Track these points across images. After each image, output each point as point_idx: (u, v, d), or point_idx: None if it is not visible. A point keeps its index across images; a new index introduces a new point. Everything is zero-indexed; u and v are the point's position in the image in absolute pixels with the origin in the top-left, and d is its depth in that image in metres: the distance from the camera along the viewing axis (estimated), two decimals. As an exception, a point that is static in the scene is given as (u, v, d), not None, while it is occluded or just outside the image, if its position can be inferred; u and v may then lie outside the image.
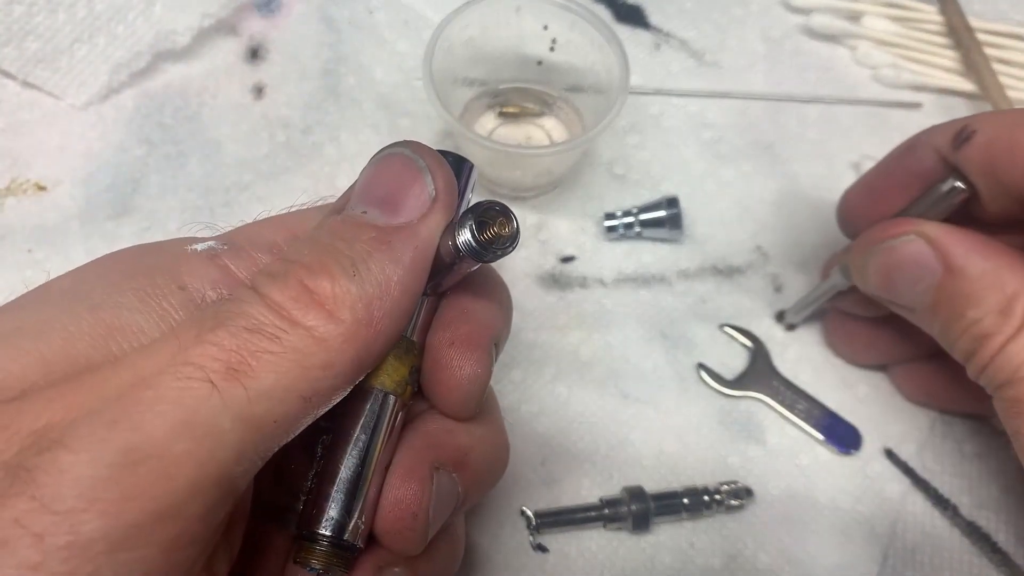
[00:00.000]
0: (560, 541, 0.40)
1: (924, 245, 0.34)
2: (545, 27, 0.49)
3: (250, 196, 0.49)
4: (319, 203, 0.31)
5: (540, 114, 0.52)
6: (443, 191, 0.27)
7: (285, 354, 0.22)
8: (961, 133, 0.35)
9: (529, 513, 0.40)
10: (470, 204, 0.28)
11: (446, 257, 0.27)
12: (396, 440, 0.28)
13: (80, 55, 0.51)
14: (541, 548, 0.40)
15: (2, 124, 0.50)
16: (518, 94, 0.52)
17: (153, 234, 0.47)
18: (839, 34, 0.56)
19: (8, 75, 0.51)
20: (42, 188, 0.49)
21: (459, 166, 0.30)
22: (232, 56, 0.53)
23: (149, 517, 0.19)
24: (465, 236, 0.26)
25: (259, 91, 0.53)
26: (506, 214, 0.27)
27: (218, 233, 0.28)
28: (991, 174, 0.33)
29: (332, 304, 0.23)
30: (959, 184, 0.35)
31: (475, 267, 0.28)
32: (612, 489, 0.41)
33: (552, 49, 0.50)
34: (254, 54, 0.54)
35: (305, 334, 0.23)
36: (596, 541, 0.40)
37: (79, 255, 0.46)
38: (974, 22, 0.55)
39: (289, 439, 0.23)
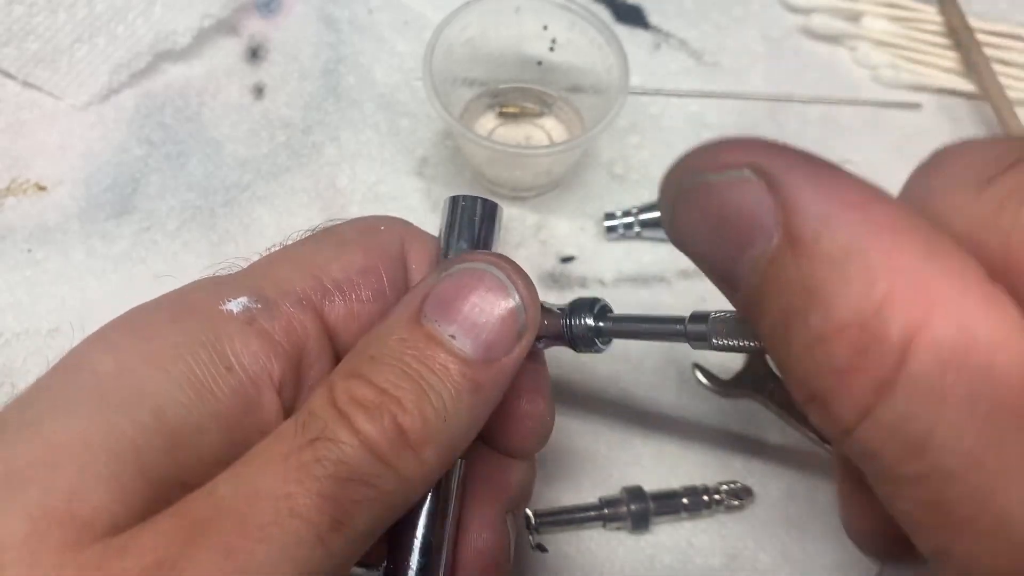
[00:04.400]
0: (559, 541, 0.40)
1: (763, 192, 0.19)
2: (545, 27, 0.49)
3: (250, 196, 0.49)
4: (328, 224, 0.31)
5: (540, 114, 0.52)
6: (532, 323, 0.27)
7: (379, 499, 0.23)
8: None
9: (528, 513, 0.40)
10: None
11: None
12: (464, 492, 0.28)
13: (80, 55, 0.51)
14: (540, 548, 0.40)
15: (2, 124, 0.50)
16: (518, 94, 0.52)
17: (153, 234, 0.47)
18: (839, 34, 0.56)
19: (8, 75, 0.51)
20: (42, 188, 0.49)
21: (488, 211, 0.30)
22: (232, 56, 0.54)
23: None
24: (587, 321, 0.29)
25: (259, 91, 0.53)
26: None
27: (238, 269, 0.28)
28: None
29: (420, 445, 0.23)
30: None
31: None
32: (611, 489, 0.41)
33: (552, 49, 0.50)
34: (254, 54, 0.54)
35: (395, 476, 0.23)
36: (595, 541, 0.40)
37: (79, 255, 0.46)
38: (974, 22, 0.56)
39: None
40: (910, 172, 0.21)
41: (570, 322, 0.29)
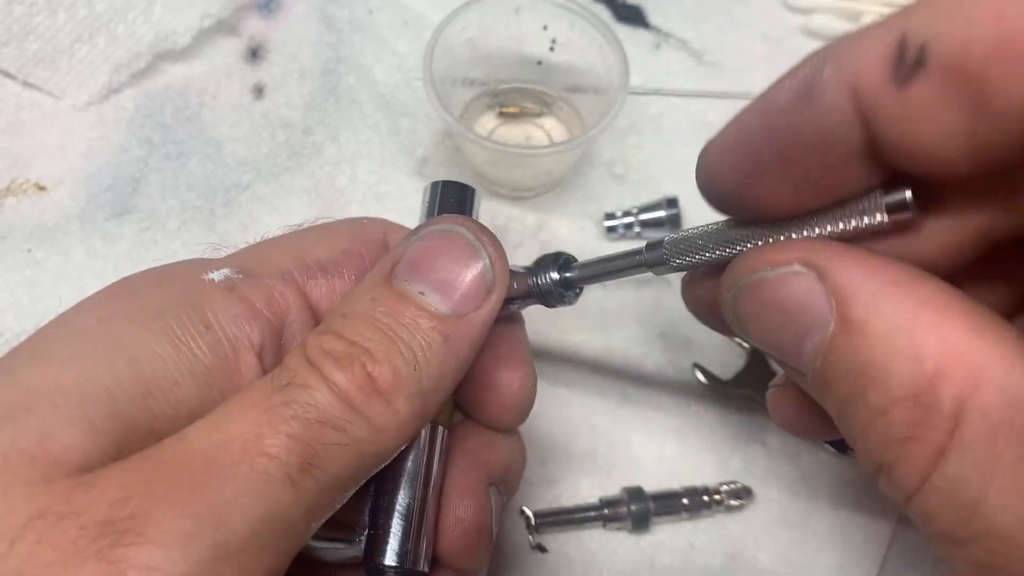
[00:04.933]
0: (560, 541, 0.40)
1: (813, 281, 0.22)
2: (545, 27, 0.49)
3: (250, 196, 0.49)
4: (316, 222, 0.31)
5: (540, 114, 0.52)
6: (500, 279, 0.27)
7: (349, 445, 0.23)
8: (903, 56, 0.19)
9: (528, 513, 0.40)
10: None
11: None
12: (445, 462, 0.29)
13: (80, 55, 0.51)
14: (540, 548, 0.40)
15: (2, 124, 0.50)
16: (518, 94, 0.52)
17: (153, 234, 0.47)
18: (839, 35, 0.56)
19: (8, 75, 0.51)
20: (42, 188, 0.49)
21: (463, 193, 0.30)
22: (232, 56, 0.54)
23: None
24: (551, 275, 0.29)
25: (259, 91, 0.53)
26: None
27: (226, 254, 0.28)
28: (978, 117, 0.18)
29: (391, 394, 0.24)
30: (903, 197, 0.22)
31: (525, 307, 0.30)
32: (612, 489, 0.41)
33: (552, 49, 0.50)
34: (254, 54, 0.54)
35: (366, 424, 0.23)
36: (596, 541, 0.40)
37: (79, 255, 0.46)
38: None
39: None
40: None
41: (536, 280, 0.29)
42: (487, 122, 0.52)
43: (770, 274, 0.23)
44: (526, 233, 0.48)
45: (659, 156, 0.52)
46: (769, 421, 0.43)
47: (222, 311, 0.25)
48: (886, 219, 0.22)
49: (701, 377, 0.44)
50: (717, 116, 0.53)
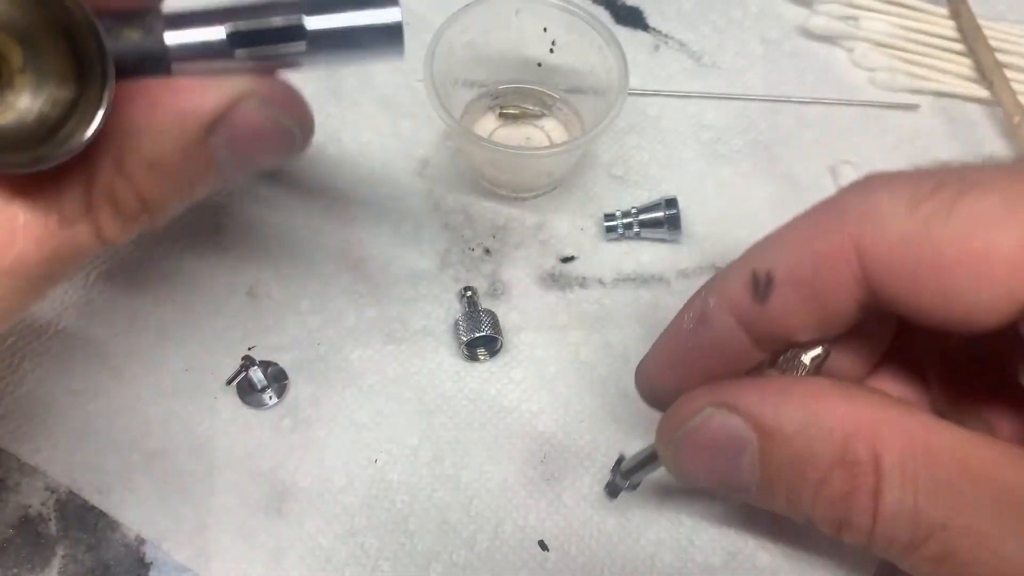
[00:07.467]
0: (560, 540, 0.40)
1: (727, 415, 0.28)
2: (545, 29, 0.49)
3: (253, 197, 0.49)
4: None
5: (540, 115, 0.53)
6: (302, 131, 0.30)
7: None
8: (758, 283, 0.28)
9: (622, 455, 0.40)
10: None
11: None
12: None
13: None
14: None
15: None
16: (518, 95, 0.53)
17: (154, 234, 0.47)
18: (838, 35, 0.57)
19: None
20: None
21: None
22: (233, 58, 0.54)
23: None
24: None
25: (260, 93, 0.53)
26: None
27: None
28: (821, 312, 0.28)
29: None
30: (809, 355, 0.29)
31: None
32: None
33: (552, 51, 0.50)
34: (255, 56, 0.54)
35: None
36: (596, 540, 0.40)
37: (82, 256, 0.46)
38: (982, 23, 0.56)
39: None
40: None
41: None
42: (487, 123, 0.52)
43: (694, 422, 0.29)
44: (526, 233, 0.49)
45: (658, 157, 0.52)
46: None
47: None
48: (804, 363, 0.29)
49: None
50: (715, 117, 0.54)
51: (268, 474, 0.41)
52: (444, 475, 0.41)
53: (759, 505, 0.30)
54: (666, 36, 0.57)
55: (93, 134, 0.24)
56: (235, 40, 0.27)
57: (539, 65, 0.51)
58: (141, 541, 0.39)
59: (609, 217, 0.49)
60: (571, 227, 0.49)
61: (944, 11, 0.58)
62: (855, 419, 0.26)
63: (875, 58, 0.56)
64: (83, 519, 0.40)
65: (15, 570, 0.39)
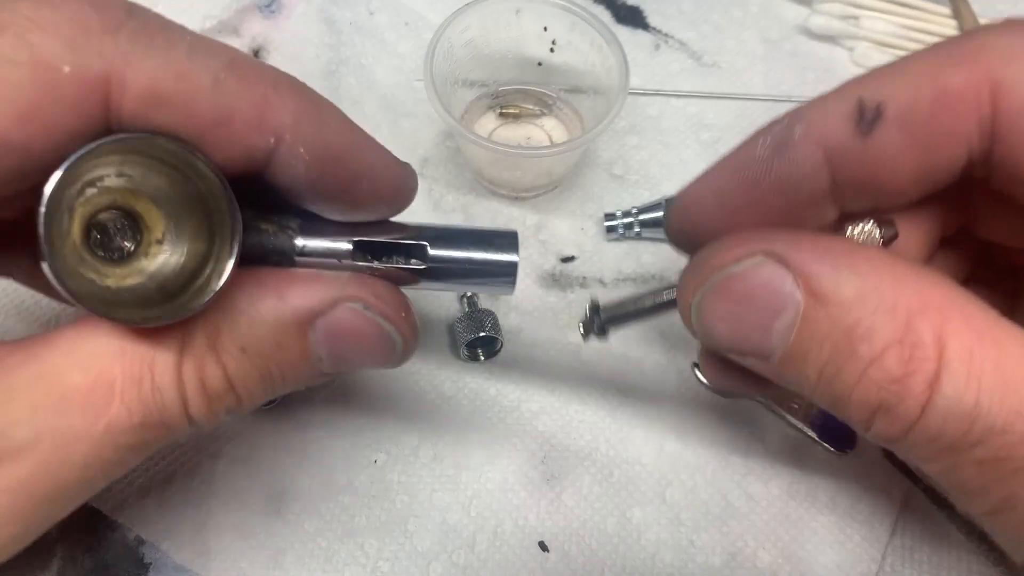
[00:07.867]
0: (561, 539, 0.40)
1: (775, 268, 0.24)
2: (545, 28, 0.49)
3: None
4: None
5: (540, 115, 0.53)
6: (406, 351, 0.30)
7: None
8: (863, 113, 0.25)
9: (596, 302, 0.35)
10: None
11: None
12: None
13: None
14: (601, 333, 0.35)
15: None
16: (518, 95, 0.53)
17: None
18: (838, 35, 0.57)
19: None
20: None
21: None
22: (233, 57, 0.54)
23: None
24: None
25: (260, 92, 0.53)
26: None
27: None
28: (924, 155, 0.24)
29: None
30: (883, 229, 0.26)
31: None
32: (612, 486, 0.41)
33: (552, 50, 0.50)
34: (255, 55, 0.54)
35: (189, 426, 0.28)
36: (596, 539, 0.40)
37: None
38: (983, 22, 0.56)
39: None
40: None
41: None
42: (488, 123, 0.52)
43: (736, 268, 0.25)
44: (526, 233, 0.49)
45: (658, 156, 0.52)
46: (769, 421, 0.44)
47: None
48: (878, 235, 0.26)
49: (701, 377, 0.44)
50: (716, 117, 0.54)
51: (268, 474, 0.41)
52: (444, 475, 0.41)
53: (769, 375, 0.26)
54: (666, 36, 0.57)
55: (216, 294, 0.25)
56: (359, 248, 0.28)
57: (539, 65, 0.51)
58: (140, 541, 0.39)
59: (609, 217, 0.48)
60: (571, 227, 0.49)
61: (945, 10, 0.58)
62: (923, 298, 0.23)
63: (876, 57, 0.56)
64: (82, 520, 0.40)
65: (15, 571, 0.39)
